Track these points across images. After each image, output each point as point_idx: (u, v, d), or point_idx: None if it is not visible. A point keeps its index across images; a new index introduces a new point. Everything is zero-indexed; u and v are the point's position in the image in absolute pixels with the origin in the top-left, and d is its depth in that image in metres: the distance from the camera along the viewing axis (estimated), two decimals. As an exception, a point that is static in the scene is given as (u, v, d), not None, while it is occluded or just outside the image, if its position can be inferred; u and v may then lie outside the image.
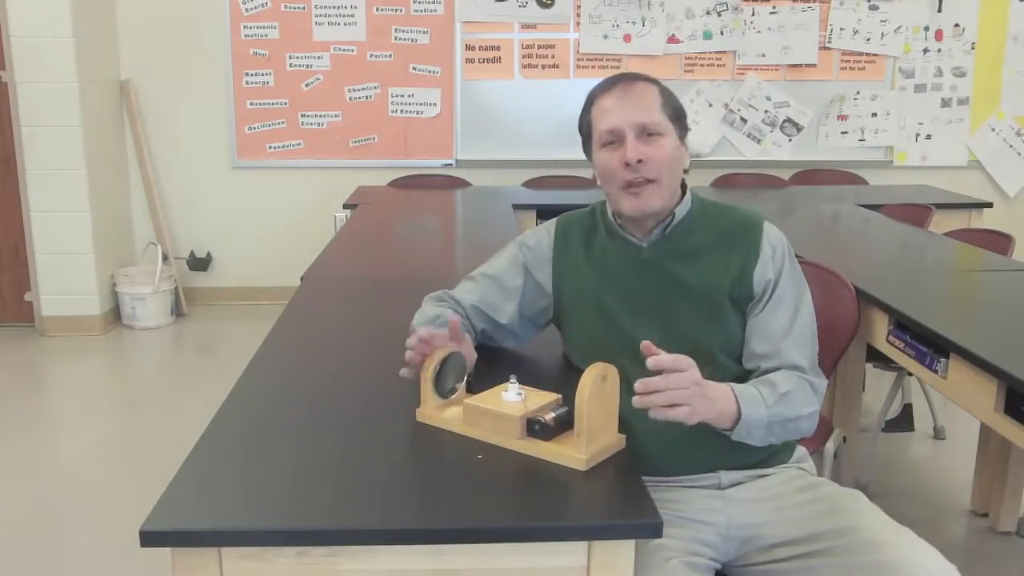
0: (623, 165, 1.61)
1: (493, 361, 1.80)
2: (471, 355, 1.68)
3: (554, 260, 1.78)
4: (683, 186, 1.70)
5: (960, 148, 5.38)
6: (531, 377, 1.60)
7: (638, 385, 1.37)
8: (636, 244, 1.69)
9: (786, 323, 1.62)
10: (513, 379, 1.51)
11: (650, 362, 1.38)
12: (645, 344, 1.39)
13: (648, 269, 1.68)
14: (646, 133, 1.61)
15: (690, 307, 1.64)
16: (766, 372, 1.60)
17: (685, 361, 1.40)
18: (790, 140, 5.30)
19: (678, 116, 1.66)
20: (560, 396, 1.51)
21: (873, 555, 1.41)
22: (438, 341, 1.56)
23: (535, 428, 1.42)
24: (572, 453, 1.38)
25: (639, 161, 1.59)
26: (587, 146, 1.71)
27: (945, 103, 5.32)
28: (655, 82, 1.67)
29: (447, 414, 1.52)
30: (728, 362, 1.64)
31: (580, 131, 1.72)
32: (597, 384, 1.37)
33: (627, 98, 1.63)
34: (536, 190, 4.76)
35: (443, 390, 1.55)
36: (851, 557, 1.44)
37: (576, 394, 1.38)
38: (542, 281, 1.79)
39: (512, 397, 1.49)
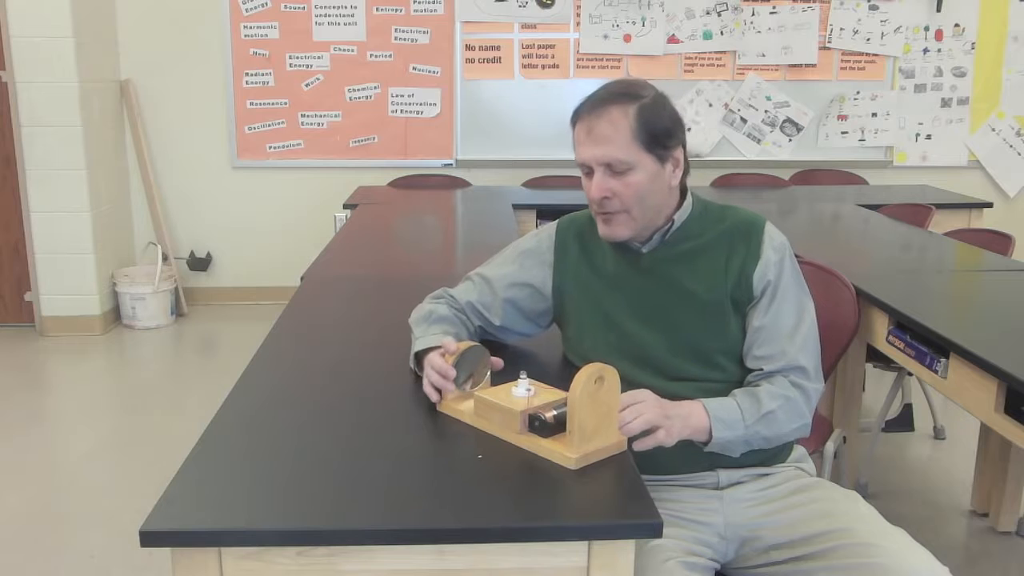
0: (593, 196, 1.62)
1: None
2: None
3: (555, 264, 1.77)
4: (684, 190, 1.69)
5: (960, 148, 5.38)
6: (545, 375, 1.61)
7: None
8: (635, 250, 1.69)
9: (791, 324, 1.62)
10: (523, 375, 1.52)
11: None
12: None
13: (648, 274, 1.67)
14: (612, 169, 1.59)
15: (691, 311, 1.63)
16: (770, 375, 1.60)
17: (642, 394, 1.46)
18: (790, 140, 5.29)
19: (656, 139, 1.57)
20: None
21: (866, 558, 1.42)
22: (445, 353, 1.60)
23: (535, 424, 1.43)
24: (563, 451, 1.38)
25: (605, 198, 1.60)
26: None
27: (945, 103, 5.32)
28: (631, 102, 1.57)
29: (463, 406, 1.55)
30: (729, 365, 1.64)
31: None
32: (590, 384, 1.37)
33: (593, 134, 1.58)
34: (536, 190, 4.76)
35: (456, 382, 1.57)
36: (844, 560, 1.44)
37: (568, 393, 1.38)
38: (541, 286, 1.78)
39: (520, 392, 1.50)
